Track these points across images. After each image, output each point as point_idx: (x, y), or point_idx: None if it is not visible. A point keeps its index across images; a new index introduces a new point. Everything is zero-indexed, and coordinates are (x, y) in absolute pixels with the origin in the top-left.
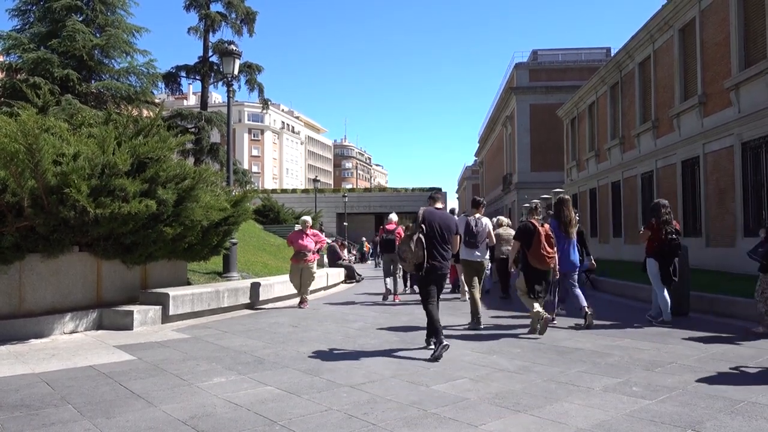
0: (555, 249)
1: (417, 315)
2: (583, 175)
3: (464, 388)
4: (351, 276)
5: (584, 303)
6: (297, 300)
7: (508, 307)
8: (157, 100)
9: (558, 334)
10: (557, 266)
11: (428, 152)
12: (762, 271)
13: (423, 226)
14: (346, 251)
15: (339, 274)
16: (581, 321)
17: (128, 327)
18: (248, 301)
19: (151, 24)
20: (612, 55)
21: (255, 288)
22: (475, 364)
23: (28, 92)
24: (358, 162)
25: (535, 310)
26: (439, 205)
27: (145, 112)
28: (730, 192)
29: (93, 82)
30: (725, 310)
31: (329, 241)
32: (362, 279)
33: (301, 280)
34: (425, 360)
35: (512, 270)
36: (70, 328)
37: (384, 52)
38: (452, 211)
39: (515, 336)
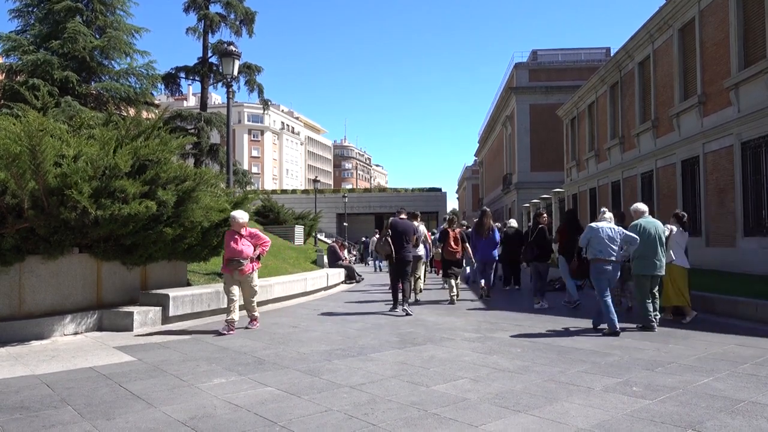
0: (461, 246)
1: (418, 315)
2: (583, 175)
3: (464, 388)
4: (351, 276)
5: (483, 285)
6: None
7: (512, 301)
8: (156, 102)
9: (558, 333)
10: (472, 257)
11: (428, 152)
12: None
13: (389, 230)
14: (345, 252)
15: (339, 274)
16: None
17: (128, 328)
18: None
19: (150, 25)
20: (612, 55)
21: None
22: (475, 364)
23: (26, 94)
24: (358, 162)
25: (450, 289)
26: (402, 216)
27: (144, 114)
28: (730, 192)
29: (93, 83)
30: (725, 310)
31: (329, 241)
32: (362, 279)
33: (243, 295)
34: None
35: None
36: (71, 329)
37: (384, 53)
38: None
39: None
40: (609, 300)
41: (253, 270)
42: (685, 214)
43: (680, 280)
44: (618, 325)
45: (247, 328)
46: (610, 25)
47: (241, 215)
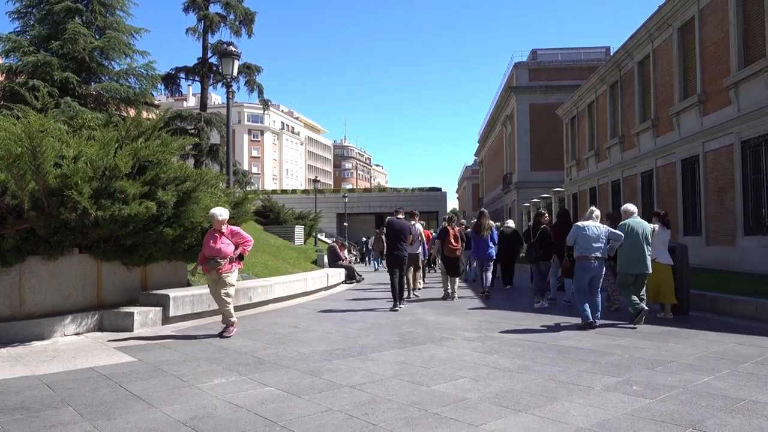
0: (460, 244)
1: (418, 315)
2: (583, 174)
3: (465, 387)
4: (351, 276)
5: (487, 285)
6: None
7: (509, 300)
8: (156, 102)
9: (558, 333)
10: (471, 255)
11: (428, 152)
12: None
13: (385, 229)
14: (346, 252)
15: (339, 274)
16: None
17: (128, 328)
18: (248, 301)
19: (150, 25)
20: (611, 54)
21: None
22: (475, 363)
23: (26, 95)
24: (357, 162)
25: (448, 286)
26: (400, 215)
27: (144, 114)
28: (730, 191)
29: (92, 84)
30: (725, 309)
31: (329, 241)
32: (362, 279)
33: (216, 296)
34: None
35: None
36: (71, 329)
37: (384, 53)
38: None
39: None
40: (582, 297)
41: (232, 269)
42: (666, 212)
43: (664, 277)
44: (591, 317)
45: (222, 336)
46: (610, 24)
47: (220, 212)
